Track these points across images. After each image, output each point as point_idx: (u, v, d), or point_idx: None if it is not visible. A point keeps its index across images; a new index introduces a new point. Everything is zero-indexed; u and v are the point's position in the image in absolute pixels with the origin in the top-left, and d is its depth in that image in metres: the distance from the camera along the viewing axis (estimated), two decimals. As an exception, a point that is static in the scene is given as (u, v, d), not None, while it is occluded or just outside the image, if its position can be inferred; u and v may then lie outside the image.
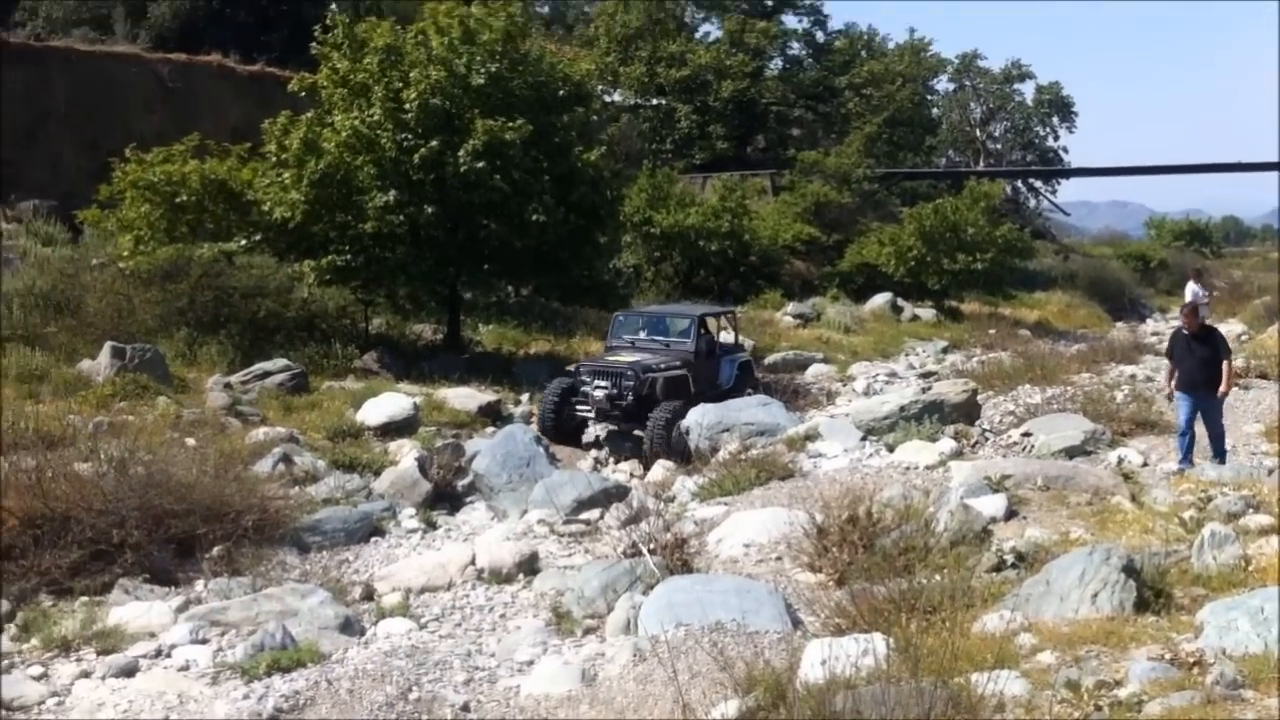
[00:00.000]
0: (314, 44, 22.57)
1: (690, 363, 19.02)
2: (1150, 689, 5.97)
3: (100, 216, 22.98)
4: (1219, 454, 12.96)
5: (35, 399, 15.12)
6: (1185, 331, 13.25)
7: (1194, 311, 13.72)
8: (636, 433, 17.71)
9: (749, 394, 18.92)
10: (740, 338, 23.12)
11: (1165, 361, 13.97)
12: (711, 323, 20.99)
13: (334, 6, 23.92)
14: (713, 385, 19.39)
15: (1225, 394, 13.19)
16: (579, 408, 18.26)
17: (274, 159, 21.80)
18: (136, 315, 19.35)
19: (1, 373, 15.83)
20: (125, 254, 20.79)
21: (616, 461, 17.34)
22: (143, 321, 19.30)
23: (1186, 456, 12.98)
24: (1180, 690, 5.92)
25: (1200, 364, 12.88)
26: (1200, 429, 13.11)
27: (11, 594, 9.30)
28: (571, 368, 19.31)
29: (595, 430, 18.51)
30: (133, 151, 22.48)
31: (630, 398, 17.78)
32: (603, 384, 18.00)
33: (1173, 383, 13.32)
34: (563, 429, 17.98)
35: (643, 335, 20.02)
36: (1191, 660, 6.40)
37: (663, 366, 18.48)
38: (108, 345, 16.97)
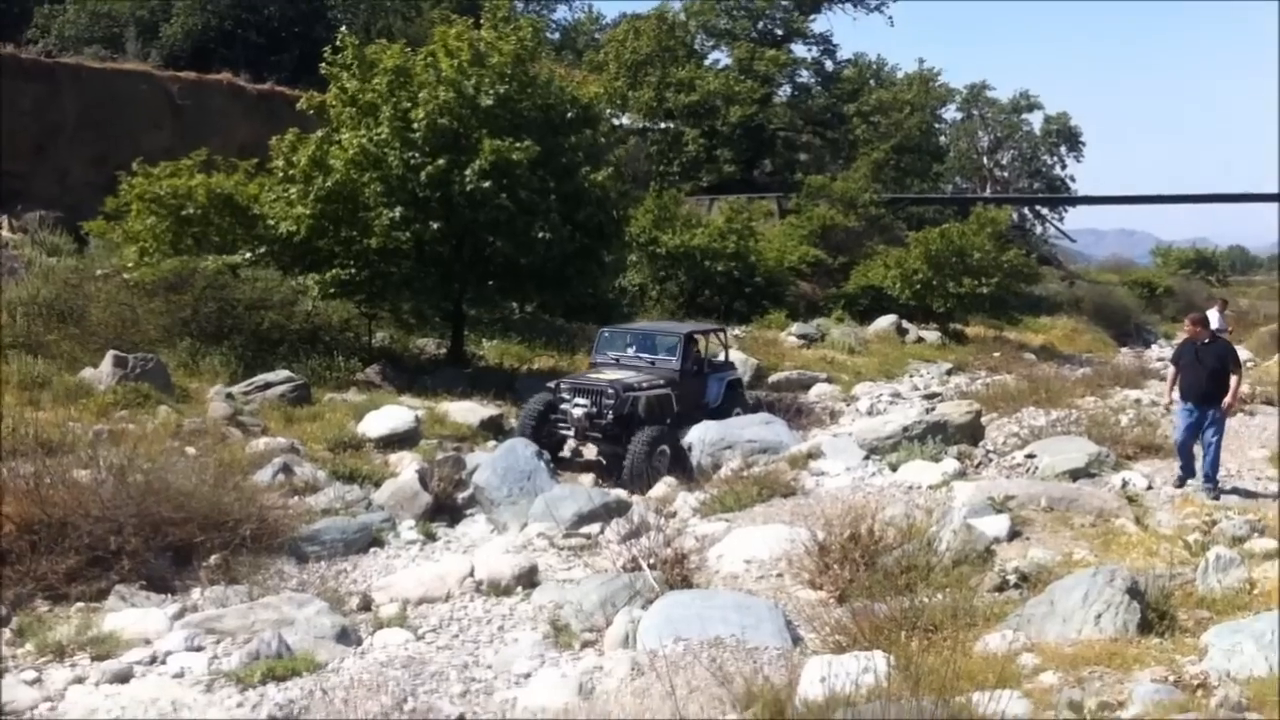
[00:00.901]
0: (323, 64, 22.64)
1: (675, 381, 18.36)
2: (1153, 711, 5.93)
3: (106, 228, 23.12)
4: (1210, 477, 12.41)
5: (36, 406, 15.07)
6: (1193, 341, 12.82)
7: (1202, 321, 13.47)
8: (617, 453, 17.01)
9: (737, 413, 18.63)
10: (743, 356, 22.96)
11: (1169, 372, 13.47)
12: (701, 341, 20.38)
13: (344, 29, 23.95)
14: (698, 405, 18.81)
15: (1230, 407, 12.73)
16: (559, 425, 17.57)
17: (281, 175, 21.84)
18: (140, 325, 19.35)
19: (1, 379, 15.79)
20: (130, 265, 20.85)
21: (618, 477, 17.11)
22: (146, 332, 19.28)
23: (1187, 465, 12.66)
24: (1184, 713, 5.88)
25: (1208, 375, 12.44)
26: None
27: (7, 599, 9.23)
28: (552, 384, 18.44)
29: (575, 445, 17.98)
30: (140, 165, 22.58)
31: (610, 416, 17.12)
32: (582, 402, 17.32)
33: (1174, 392, 12.88)
34: (541, 446, 16.56)
35: (629, 352, 19.34)
36: (1196, 683, 6.36)
37: (645, 385, 17.76)
38: (110, 354, 16.94)
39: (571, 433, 17.46)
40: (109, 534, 9.93)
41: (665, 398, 17.89)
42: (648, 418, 17.16)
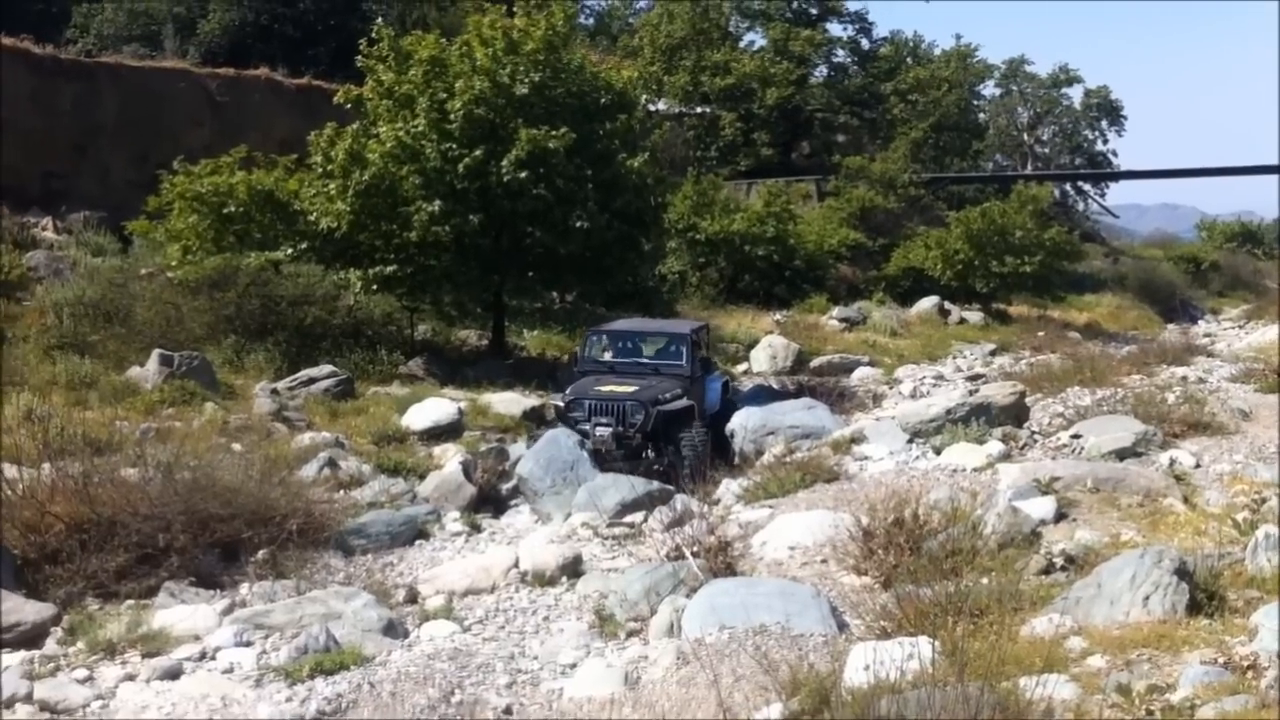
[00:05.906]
0: (360, 57, 22.77)
1: (687, 389, 16.90)
2: (1203, 693, 5.85)
3: (149, 227, 23.33)
4: None
5: (83, 406, 15.27)
6: None
7: None
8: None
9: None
10: (785, 341, 22.73)
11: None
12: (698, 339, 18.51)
13: (380, 20, 24.08)
14: (700, 412, 17.13)
15: None
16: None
17: (320, 170, 21.98)
18: (184, 324, 19.58)
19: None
20: (173, 264, 21.10)
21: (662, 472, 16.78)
22: (190, 330, 19.52)
23: None
24: (1234, 694, 5.79)
25: None
26: None
27: (58, 598, 9.34)
28: (558, 401, 17.07)
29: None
30: (181, 163, 22.76)
31: (636, 436, 15.83)
32: (604, 420, 15.79)
33: None
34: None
35: (613, 356, 17.92)
36: (1246, 664, 6.28)
37: (668, 397, 16.35)
38: (156, 353, 17.15)
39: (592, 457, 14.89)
40: (157, 531, 10.02)
41: (689, 409, 16.51)
42: (668, 432, 15.98)
